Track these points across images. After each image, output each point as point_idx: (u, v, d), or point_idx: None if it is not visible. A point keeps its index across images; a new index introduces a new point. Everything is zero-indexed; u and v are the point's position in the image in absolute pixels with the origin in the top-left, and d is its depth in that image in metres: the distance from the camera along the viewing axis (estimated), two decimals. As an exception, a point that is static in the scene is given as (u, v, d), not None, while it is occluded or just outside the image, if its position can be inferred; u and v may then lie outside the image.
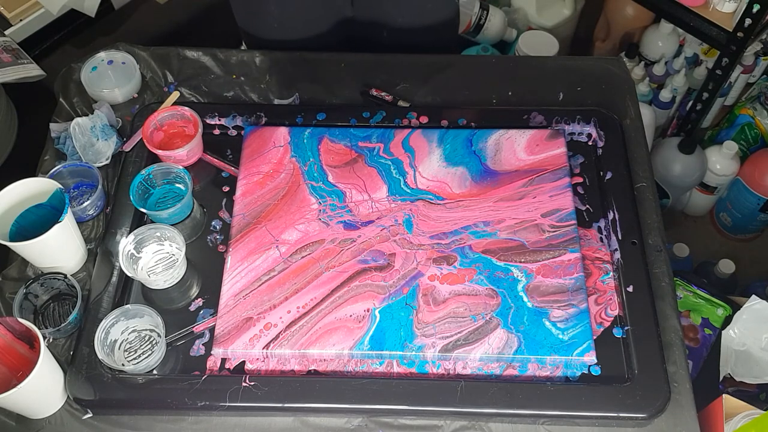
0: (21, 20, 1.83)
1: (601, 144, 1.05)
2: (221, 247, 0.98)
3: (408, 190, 1.00)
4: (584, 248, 0.96)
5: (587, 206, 1.00)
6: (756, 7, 1.38)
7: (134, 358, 0.89)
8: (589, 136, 1.07)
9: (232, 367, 0.88)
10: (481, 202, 0.98)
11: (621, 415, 0.84)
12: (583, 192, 1.02)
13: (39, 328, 0.81)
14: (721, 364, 1.20)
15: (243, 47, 1.27)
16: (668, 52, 1.80)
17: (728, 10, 1.47)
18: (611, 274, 0.94)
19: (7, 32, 1.73)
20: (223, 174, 1.05)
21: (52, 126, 1.08)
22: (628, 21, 1.85)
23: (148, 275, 0.95)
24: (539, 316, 0.89)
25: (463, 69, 1.16)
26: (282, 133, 1.05)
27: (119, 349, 0.90)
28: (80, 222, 1.00)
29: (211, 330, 0.91)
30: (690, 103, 1.69)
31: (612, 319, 0.91)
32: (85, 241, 0.98)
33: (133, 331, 0.91)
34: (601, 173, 1.03)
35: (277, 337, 0.88)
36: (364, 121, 1.07)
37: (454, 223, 0.97)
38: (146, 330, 0.91)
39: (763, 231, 1.79)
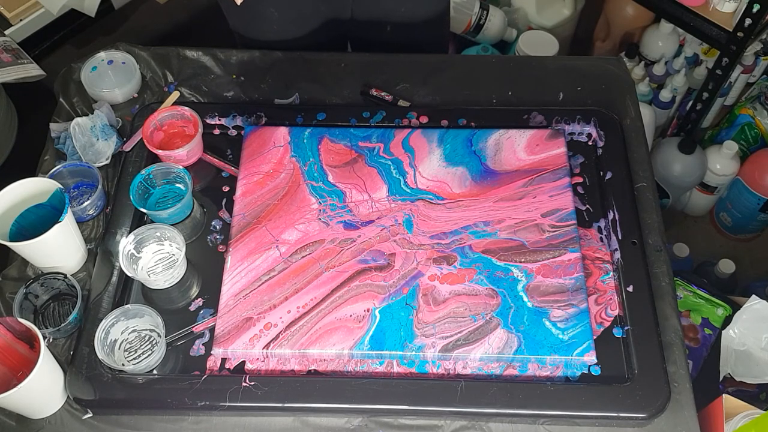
0: (21, 20, 1.83)
1: (601, 144, 1.05)
2: (221, 247, 0.98)
3: (408, 190, 1.00)
4: (584, 248, 0.96)
5: (587, 206, 1.00)
6: (756, 7, 1.38)
7: (134, 358, 0.89)
8: (589, 136, 1.07)
9: (232, 367, 0.88)
10: (481, 202, 0.98)
11: (621, 415, 0.84)
12: (583, 192, 1.02)
13: (39, 328, 0.81)
14: (721, 364, 1.20)
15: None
16: (668, 52, 1.80)
17: (728, 10, 1.47)
18: (611, 274, 0.94)
19: (7, 32, 1.73)
20: (223, 174, 1.05)
21: (52, 126, 1.08)
22: (628, 21, 1.85)
23: (148, 275, 0.95)
24: (539, 316, 0.89)
25: (463, 69, 1.16)
26: (282, 133, 1.05)
27: (119, 349, 0.90)
28: (80, 222, 1.00)
29: (211, 330, 0.91)
30: (690, 103, 1.68)
31: (612, 319, 0.91)
32: (85, 241, 0.98)
33: (133, 331, 0.91)
34: (601, 173, 1.03)
35: (277, 337, 0.88)
36: (364, 121, 1.07)
37: (454, 223, 0.97)
38: (146, 330, 0.91)
39: (763, 231, 1.79)
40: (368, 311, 0.90)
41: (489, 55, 1.78)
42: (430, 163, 1.02)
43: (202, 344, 0.90)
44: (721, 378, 1.21)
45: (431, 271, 0.93)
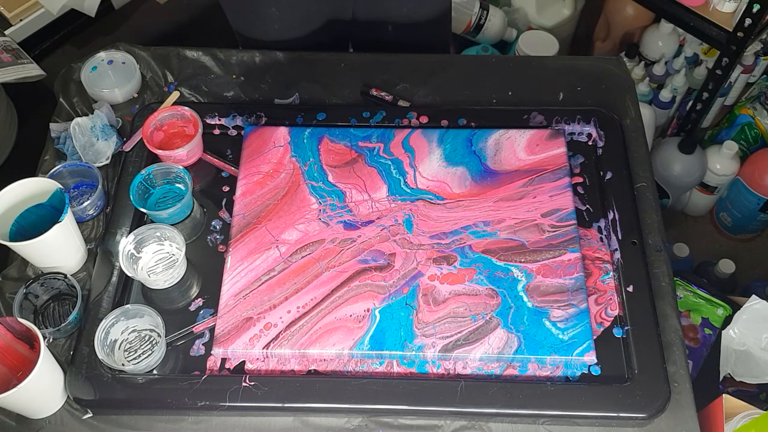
0: (21, 20, 1.83)
1: (601, 144, 1.05)
2: (221, 247, 0.98)
3: (408, 190, 1.00)
4: (584, 248, 0.96)
5: (587, 206, 1.00)
6: (756, 7, 1.38)
7: (134, 358, 0.89)
8: (589, 136, 1.07)
9: (232, 367, 0.88)
10: (481, 202, 0.98)
11: (621, 415, 0.84)
12: (583, 192, 1.02)
13: (39, 328, 0.81)
14: (721, 364, 1.20)
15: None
16: (668, 52, 1.80)
17: (728, 10, 1.47)
18: (611, 274, 0.94)
19: (7, 32, 1.73)
20: (223, 174, 1.05)
21: (52, 126, 1.08)
22: (628, 21, 1.85)
23: (148, 275, 0.95)
24: (539, 316, 0.89)
25: (463, 69, 1.16)
26: (282, 133, 1.05)
27: (119, 349, 0.90)
28: (80, 222, 1.00)
29: (211, 330, 0.91)
30: (690, 103, 1.69)
31: (612, 319, 0.91)
32: (85, 241, 0.98)
33: (133, 331, 0.91)
34: (601, 173, 1.03)
35: (277, 337, 0.88)
36: (364, 121, 1.07)
37: (454, 223, 0.97)
38: (146, 330, 0.91)
39: (763, 231, 1.79)
40: (368, 311, 0.90)
41: (489, 55, 1.78)
42: (430, 163, 1.02)
43: (202, 344, 0.90)
44: (721, 378, 1.21)
45: (431, 271, 0.93)
